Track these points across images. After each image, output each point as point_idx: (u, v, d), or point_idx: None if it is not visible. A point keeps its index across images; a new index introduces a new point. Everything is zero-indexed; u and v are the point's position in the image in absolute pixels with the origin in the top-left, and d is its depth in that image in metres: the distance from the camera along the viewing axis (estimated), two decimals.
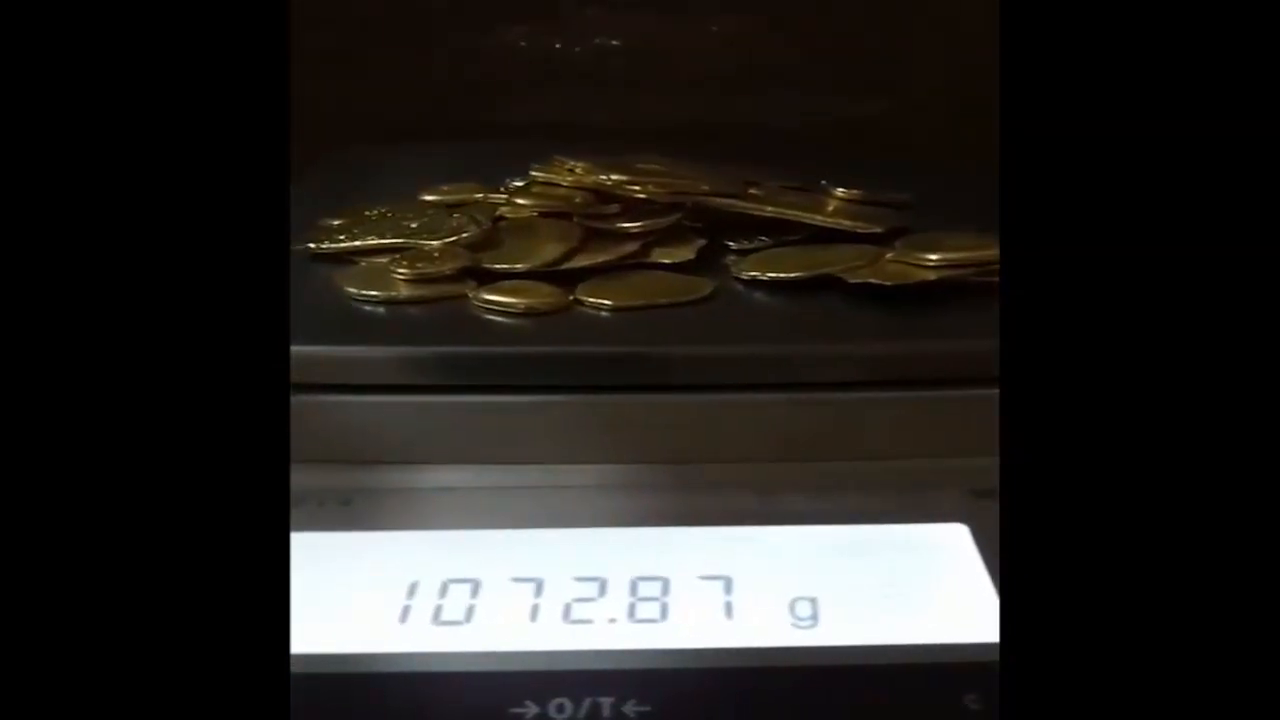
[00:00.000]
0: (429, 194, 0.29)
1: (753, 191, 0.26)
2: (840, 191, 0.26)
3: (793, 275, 0.23)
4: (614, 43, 0.42)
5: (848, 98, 0.41)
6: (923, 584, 0.19)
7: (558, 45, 0.42)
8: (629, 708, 0.17)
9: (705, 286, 0.23)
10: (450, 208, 0.27)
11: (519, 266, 0.23)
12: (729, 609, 0.19)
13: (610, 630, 0.18)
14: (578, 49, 0.42)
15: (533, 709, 0.16)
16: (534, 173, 0.27)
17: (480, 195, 0.28)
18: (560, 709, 0.16)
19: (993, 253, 0.22)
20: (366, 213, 0.27)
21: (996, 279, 0.23)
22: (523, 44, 0.42)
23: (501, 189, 0.28)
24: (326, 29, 0.39)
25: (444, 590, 0.19)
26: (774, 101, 0.42)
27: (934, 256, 0.22)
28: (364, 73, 0.40)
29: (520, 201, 0.26)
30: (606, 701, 0.17)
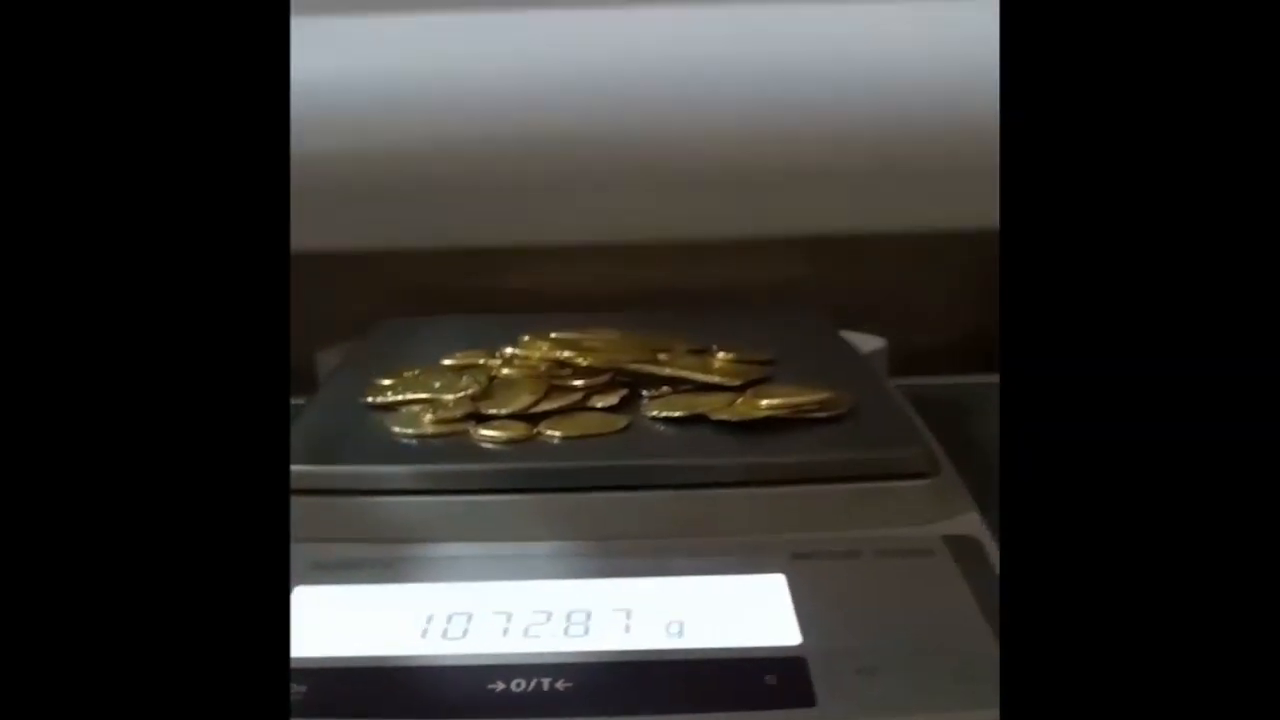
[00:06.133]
0: (448, 359, 0.36)
1: (661, 357, 0.33)
2: (721, 355, 0.35)
3: (678, 414, 0.30)
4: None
5: (772, 269, 0.48)
6: (753, 611, 0.25)
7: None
8: (559, 684, 0.22)
9: (623, 422, 0.30)
10: (462, 369, 0.35)
11: (503, 411, 0.31)
12: (628, 627, 0.24)
13: (552, 640, 0.24)
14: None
15: (501, 685, 0.22)
16: (512, 350, 0.35)
17: (482, 360, 0.35)
18: (518, 685, 0.22)
19: (806, 399, 0.30)
20: (405, 374, 0.34)
21: (807, 415, 0.30)
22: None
23: (497, 355, 0.36)
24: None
25: (449, 618, 0.24)
26: (711, 273, 0.48)
27: (765, 402, 0.30)
28: (398, 268, 0.47)
29: (506, 372, 0.34)
30: (546, 681, 0.22)
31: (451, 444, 0.30)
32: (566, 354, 0.33)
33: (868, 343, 0.41)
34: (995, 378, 0.48)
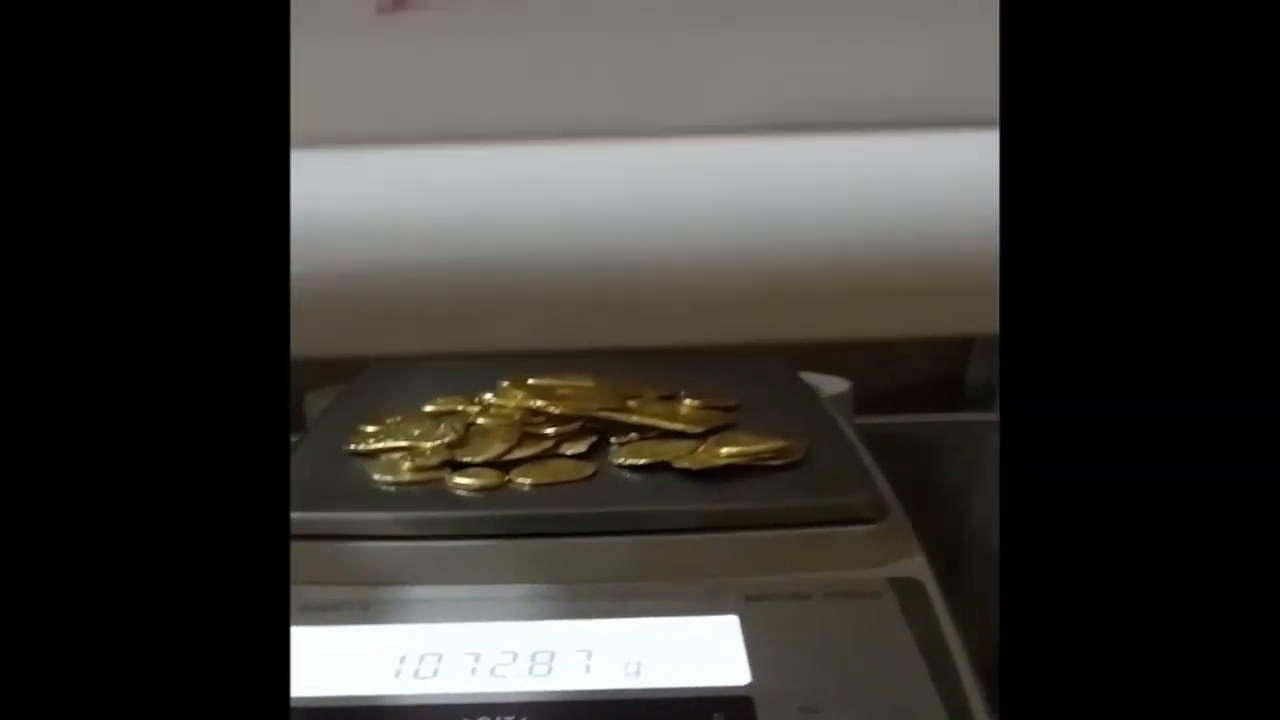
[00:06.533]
0: (429, 405, 0.38)
1: (630, 404, 0.35)
2: (688, 401, 0.36)
3: (642, 461, 0.32)
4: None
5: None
6: (707, 652, 0.26)
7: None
8: None
9: (590, 469, 0.32)
10: (441, 416, 0.36)
11: (477, 459, 0.32)
12: (589, 668, 0.26)
13: (518, 680, 0.25)
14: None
15: None
16: (490, 397, 0.37)
17: (461, 407, 0.37)
18: None
19: (763, 447, 0.32)
20: (387, 420, 0.36)
21: (764, 463, 0.31)
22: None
23: (476, 401, 0.37)
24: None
25: (421, 659, 0.26)
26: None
27: (724, 450, 0.31)
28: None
29: (481, 421, 0.35)
30: (510, 718, 0.24)
31: (428, 491, 0.31)
32: (540, 403, 0.34)
33: (832, 384, 0.42)
34: (958, 416, 0.50)
